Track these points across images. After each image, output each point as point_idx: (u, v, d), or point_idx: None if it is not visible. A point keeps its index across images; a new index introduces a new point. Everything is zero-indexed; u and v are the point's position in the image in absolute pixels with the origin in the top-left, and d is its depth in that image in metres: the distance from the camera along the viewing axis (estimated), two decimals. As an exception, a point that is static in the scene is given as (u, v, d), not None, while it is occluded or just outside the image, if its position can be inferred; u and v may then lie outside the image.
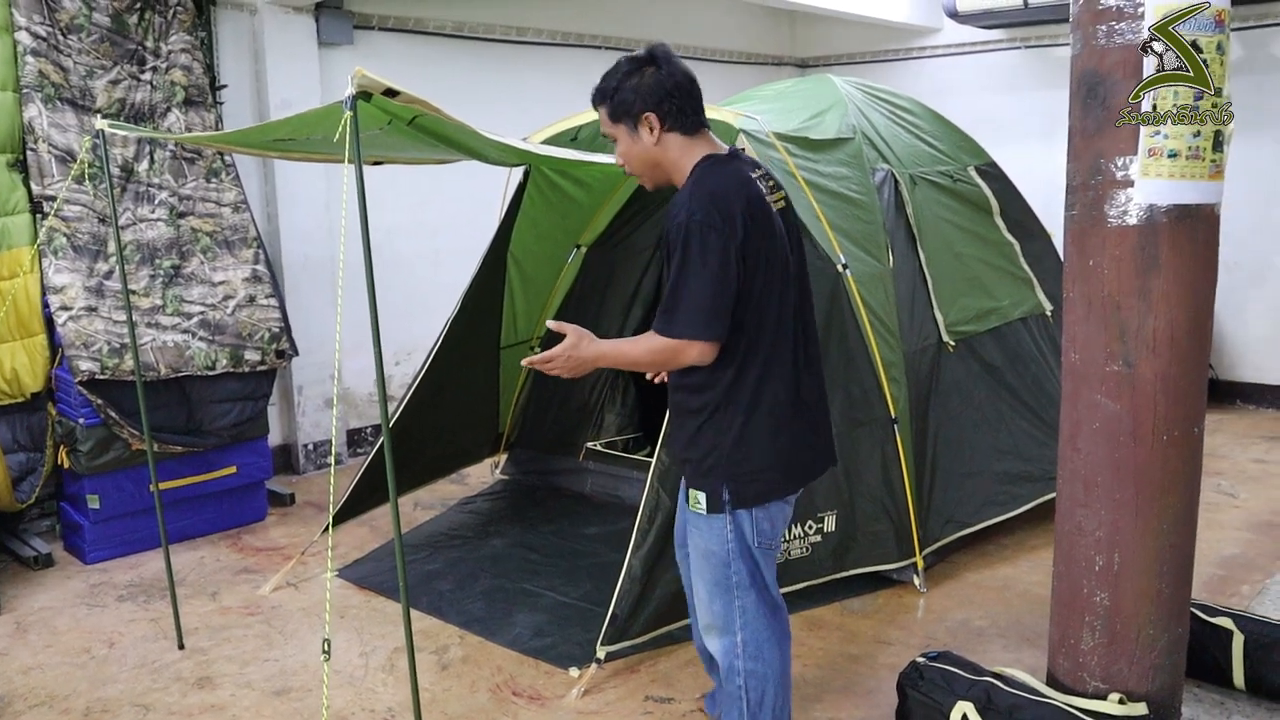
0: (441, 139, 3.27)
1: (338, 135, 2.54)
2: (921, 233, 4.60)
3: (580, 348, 2.45)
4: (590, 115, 4.67)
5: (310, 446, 5.90)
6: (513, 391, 5.47)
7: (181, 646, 3.81)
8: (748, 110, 4.29)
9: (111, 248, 4.71)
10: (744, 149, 4.03)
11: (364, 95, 2.56)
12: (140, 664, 3.72)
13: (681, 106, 2.50)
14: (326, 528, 4.61)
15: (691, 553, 2.68)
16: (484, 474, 5.64)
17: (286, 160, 4.03)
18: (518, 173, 4.86)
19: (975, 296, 4.83)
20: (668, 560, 3.65)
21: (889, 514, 4.11)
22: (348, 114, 2.50)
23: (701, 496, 2.56)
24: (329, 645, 2.51)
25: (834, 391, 4.04)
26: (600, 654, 3.49)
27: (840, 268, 4.04)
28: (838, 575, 4.05)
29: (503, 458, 5.62)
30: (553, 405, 5.43)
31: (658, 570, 3.61)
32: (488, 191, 5.04)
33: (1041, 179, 5.53)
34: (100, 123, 3.54)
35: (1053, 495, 3.15)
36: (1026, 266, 5.16)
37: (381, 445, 4.69)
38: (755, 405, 2.51)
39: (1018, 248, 5.15)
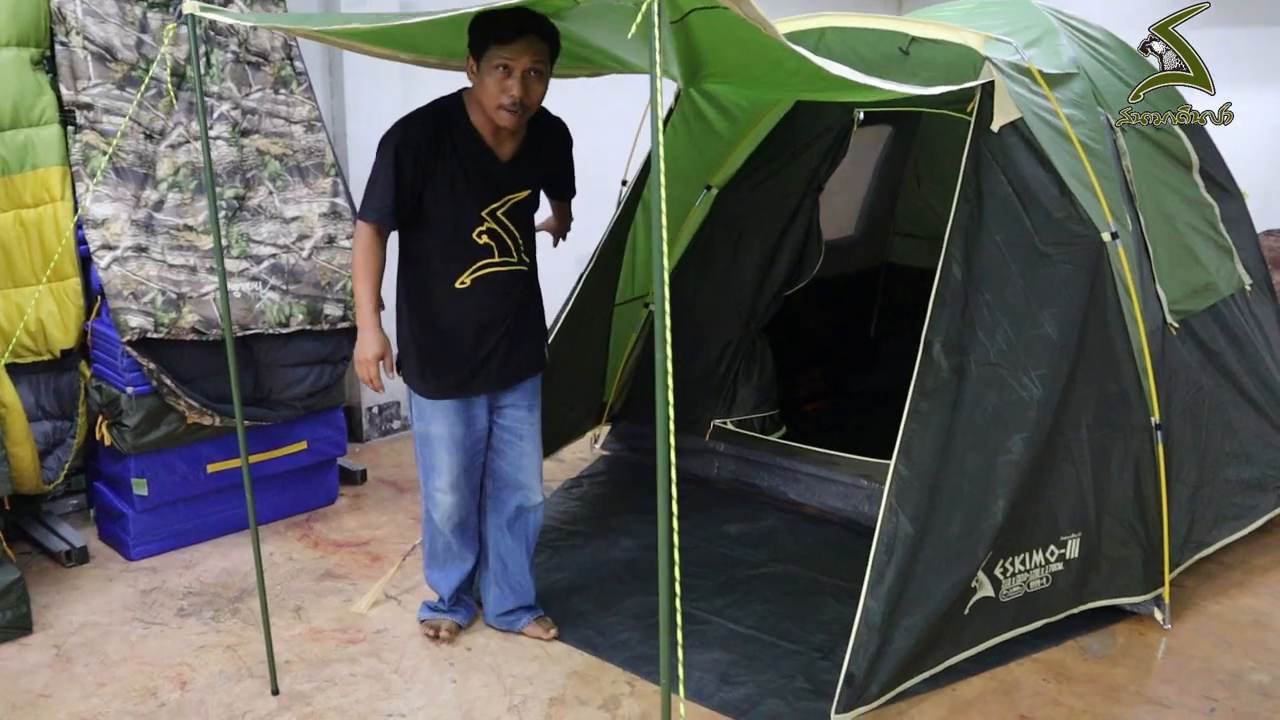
0: (701, 48, 2.41)
1: (633, 31, 1.72)
2: (1139, 192, 3.82)
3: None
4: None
5: (375, 410, 5.05)
6: (621, 355, 4.63)
7: (276, 691, 3.00)
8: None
9: (161, 171, 3.77)
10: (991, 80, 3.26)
11: None
12: (228, 717, 2.90)
13: None
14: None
15: None
16: (582, 449, 4.81)
17: (421, 66, 3.09)
18: (665, 100, 3.96)
19: (1190, 269, 4.05)
20: (909, 599, 2.90)
21: (1138, 538, 3.37)
22: None
23: None
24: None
25: (1087, 388, 3.31)
26: (837, 725, 2.75)
27: (1109, 236, 3.25)
28: (1074, 610, 3.34)
29: (604, 430, 4.80)
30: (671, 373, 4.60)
31: (898, 613, 2.87)
32: (615, 118, 4.13)
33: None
34: (189, 5, 2.62)
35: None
36: (1225, 233, 4.41)
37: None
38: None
39: (1217, 210, 4.37)
